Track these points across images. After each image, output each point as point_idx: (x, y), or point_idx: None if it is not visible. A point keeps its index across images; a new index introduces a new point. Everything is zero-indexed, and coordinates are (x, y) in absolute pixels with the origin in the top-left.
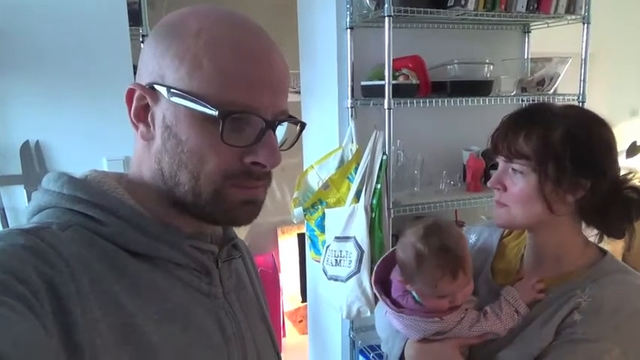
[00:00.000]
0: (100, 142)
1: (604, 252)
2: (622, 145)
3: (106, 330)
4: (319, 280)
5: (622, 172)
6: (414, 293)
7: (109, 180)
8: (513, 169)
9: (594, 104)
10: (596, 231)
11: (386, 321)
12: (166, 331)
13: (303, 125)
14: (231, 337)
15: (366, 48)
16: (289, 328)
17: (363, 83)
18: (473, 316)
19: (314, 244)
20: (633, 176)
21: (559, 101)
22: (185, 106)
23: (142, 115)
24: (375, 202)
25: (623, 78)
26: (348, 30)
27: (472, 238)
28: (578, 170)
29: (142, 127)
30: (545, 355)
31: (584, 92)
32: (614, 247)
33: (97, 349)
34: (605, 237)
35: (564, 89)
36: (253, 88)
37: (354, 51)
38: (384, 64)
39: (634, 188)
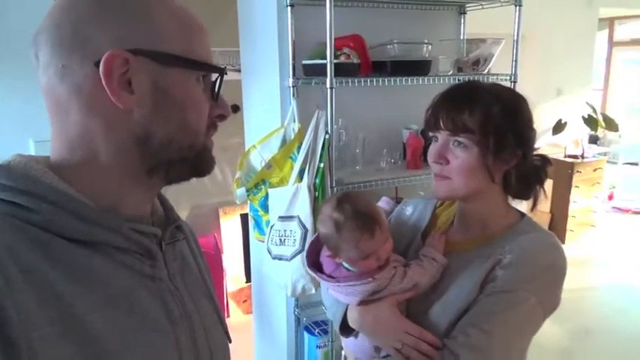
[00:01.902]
0: (25, 123)
1: (522, 215)
2: (549, 122)
3: (44, 322)
4: (264, 259)
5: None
6: (345, 264)
7: (37, 164)
8: (458, 141)
9: (524, 84)
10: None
11: (329, 295)
12: (110, 317)
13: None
14: (178, 319)
15: (307, 26)
16: (233, 309)
17: (304, 62)
18: (401, 271)
19: (258, 224)
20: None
21: (492, 81)
22: (178, 68)
23: (122, 82)
24: (318, 180)
25: (551, 59)
26: (289, 7)
27: (408, 210)
28: (514, 142)
29: (125, 95)
30: (471, 308)
31: (515, 72)
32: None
33: (33, 343)
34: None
35: (497, 69)
36: (207, 44)
37: (295, 29)
38: (325, 43)
39: (540, 156)
